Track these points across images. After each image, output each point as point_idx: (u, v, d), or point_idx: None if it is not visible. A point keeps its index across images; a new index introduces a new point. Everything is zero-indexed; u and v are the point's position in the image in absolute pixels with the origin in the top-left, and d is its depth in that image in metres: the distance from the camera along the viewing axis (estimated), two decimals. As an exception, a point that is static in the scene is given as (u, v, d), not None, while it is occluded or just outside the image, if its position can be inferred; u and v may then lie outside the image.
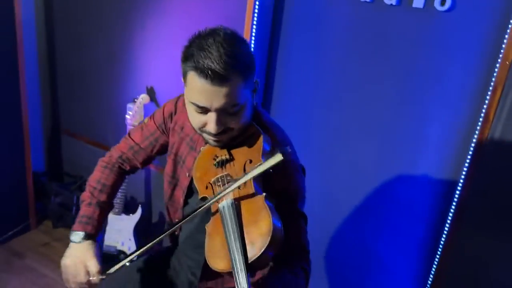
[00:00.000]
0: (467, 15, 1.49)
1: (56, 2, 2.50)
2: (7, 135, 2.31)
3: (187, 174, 1.18)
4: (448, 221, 1.66)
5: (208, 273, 1.11)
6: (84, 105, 2.62)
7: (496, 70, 1.45)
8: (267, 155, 0.98)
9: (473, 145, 1.55)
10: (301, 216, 1.09)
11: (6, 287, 2.15)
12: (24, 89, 2.31)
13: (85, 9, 2.39)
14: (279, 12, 1.84)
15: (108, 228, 2.29)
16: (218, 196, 0.96)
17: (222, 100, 0.95)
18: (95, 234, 1.20)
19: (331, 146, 1.88)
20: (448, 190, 1.67)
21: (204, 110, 0.98)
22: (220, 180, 1.02)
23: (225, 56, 0.92)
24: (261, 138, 1.03)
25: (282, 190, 1.04)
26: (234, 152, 1.06)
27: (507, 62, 1.41)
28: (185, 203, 1.21)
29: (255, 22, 1.80)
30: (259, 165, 0.92)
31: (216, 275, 1.11)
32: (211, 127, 0.99)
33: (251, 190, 0.96)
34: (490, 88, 1.47)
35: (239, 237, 0.87)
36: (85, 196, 1.26)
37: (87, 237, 1.17)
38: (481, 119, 1.51)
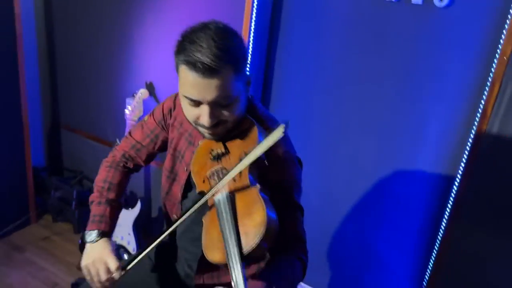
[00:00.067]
0: (465, 11, 1.49)
1: (55, -3, 2.50)
2: (7, 130, 2.32)
3: (185, 169, 1.18)
4: (446, 217, 1.67)
5: (204, 266, 1.12)
6: (83, 100, 2.62)
7: (494, 65, 1.45)
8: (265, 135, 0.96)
9: (470, 140, 1.55)
10: (297, 207, 1.09)
11: (6, 281, 2.17)
12: (24, 85, 2.32)
13: (84, 4, 2.40)
14: (278, 6, 1.84)
15: (107, 222, 2.30)
16: (214, 190, 0.96)
17: (214, 92, 0.95)
18: (109, 231, 1.20)
19: (329, 140, 1.89)
20: (445, 186, 1.68)
21: (197, 103, 0.99)
22: (215, 173, 1.03)
23: (215, 49, 0.92)
24: (256, 131, 1.04)
25: (278, 182, 1.04)
26: (229, 145, 1.07)
27: (504, 58, 1.42)
28: (184, 197, 1.21)
29: (253, 17, 1.80)
30: (259, 144, 0.91)
31: (212, 268, 1.12)
32: (205, 120, 0.99)
33: (246, 182, 0.96)
34: (488, 83, 1.47)
35: (234, 229, 0.87)
36: (93, 196, 1.26)
37: (102, 235, 1.17)
38: (478, 115, 1.51)
